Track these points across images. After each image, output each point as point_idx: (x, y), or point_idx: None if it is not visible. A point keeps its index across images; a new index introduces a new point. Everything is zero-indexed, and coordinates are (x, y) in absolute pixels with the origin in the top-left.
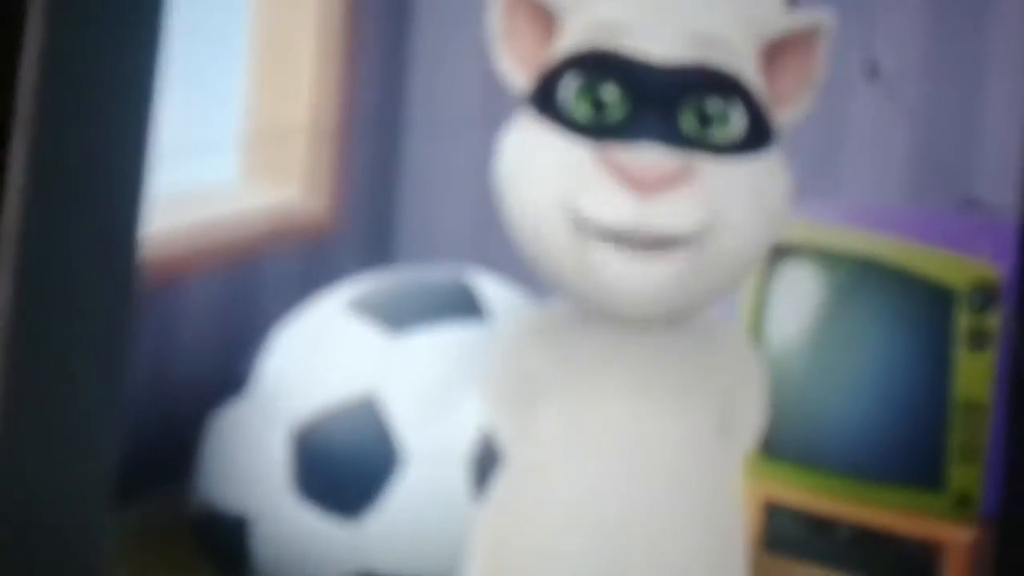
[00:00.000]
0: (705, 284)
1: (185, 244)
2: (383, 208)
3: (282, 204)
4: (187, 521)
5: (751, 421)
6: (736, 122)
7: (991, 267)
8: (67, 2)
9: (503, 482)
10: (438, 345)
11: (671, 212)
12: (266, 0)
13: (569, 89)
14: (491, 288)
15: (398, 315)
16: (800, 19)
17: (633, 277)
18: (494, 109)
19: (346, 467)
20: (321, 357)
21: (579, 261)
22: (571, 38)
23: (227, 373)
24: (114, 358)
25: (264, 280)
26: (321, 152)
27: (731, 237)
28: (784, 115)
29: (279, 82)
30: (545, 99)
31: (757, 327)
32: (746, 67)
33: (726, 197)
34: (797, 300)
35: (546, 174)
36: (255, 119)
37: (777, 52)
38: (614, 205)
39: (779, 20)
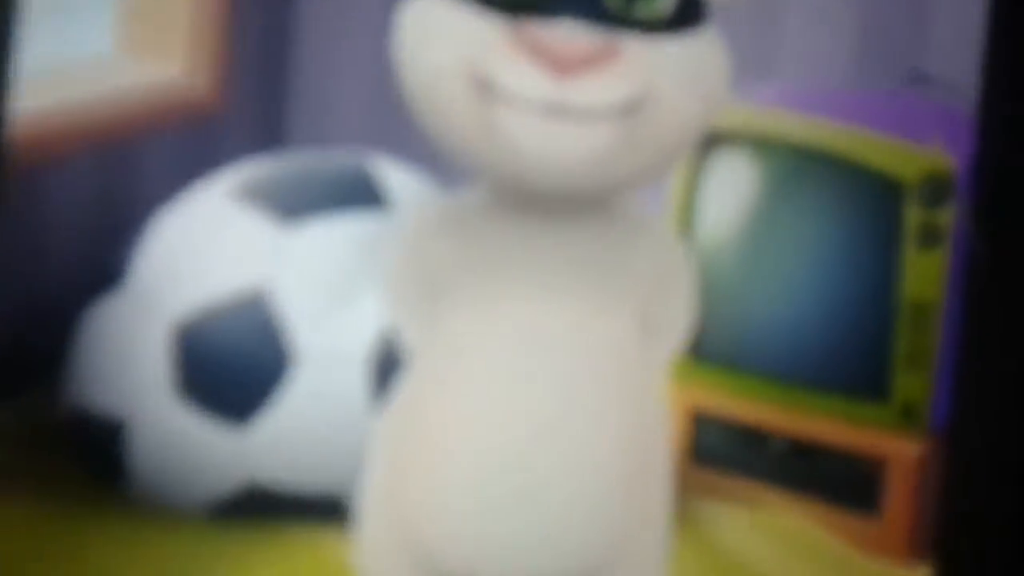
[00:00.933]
0: (631, 161)
1: (55, 123)
2: (273, 85)
3: (162, 80)
4: (58, 424)
5: (677, 321)
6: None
7: (944, 157)
8: None
9: (406, 386)
10: (335, 236)
11: (593, 89)
12: None
13: None
14: (394, 175)
15: (290, 203)
16: None
17: (550, 145)
18: None
19: (232, 368)
20: (205, 248)
21: (487, 126)
22: None
23: (102, 264)
24: None
25: (142, 163)
26: (205, 21)
27: (661, 113)
28: None
29: None
30: None
31: (687, 220)
32: None
33: (655, 74)
34: (731, 191)
35: (452, 36)
36: None
37: None
38: (530, 83)
39: None
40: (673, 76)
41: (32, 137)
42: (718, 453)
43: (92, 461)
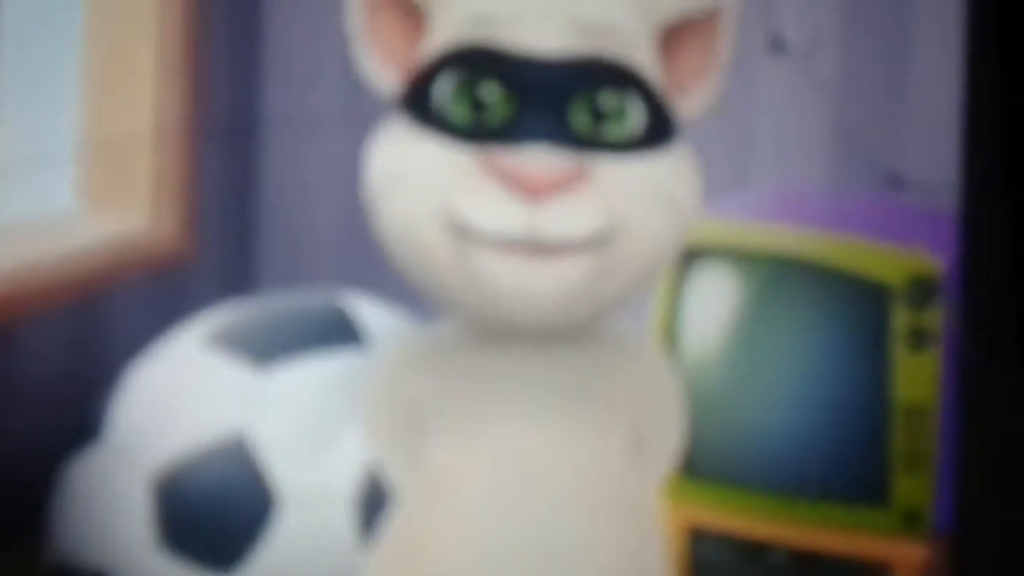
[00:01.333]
0: (608, 290)
1: (24, 281)
2: (240, 229)
3: (127, 231)
4: (50, 571)
5: (667, 440)
6: (633, 117)
7: (928, 258)
8: None
9: (394, 521)
10: (312, 377)
11: (565, 217)
12: (100, 2)
13: (445, 90)
14: (368, 311)
15: (265, 347)
16: (700, 1)
17: (527, 284)
18: (360, 114)
19: (216, 516)
20: (181, 397)
21: (464, 271)
22: (444, 34)
23: (78, 417)
24: None
25: (113, 315)
26: (167, 170)
27: (635, 239)
28: (687, 105)
29: (117, 91)
30: (418, 102)
31: (670, 336)
32: (641, 55)
33: (627, 198)
34: (713, 305)
35: (422, 181)
36: (92, 133)
37: (675, 36)
38: (501, 212)
39: (675, 2)
40: (645, 198)
41: (1, 296)
42: (717, 569)
43: None
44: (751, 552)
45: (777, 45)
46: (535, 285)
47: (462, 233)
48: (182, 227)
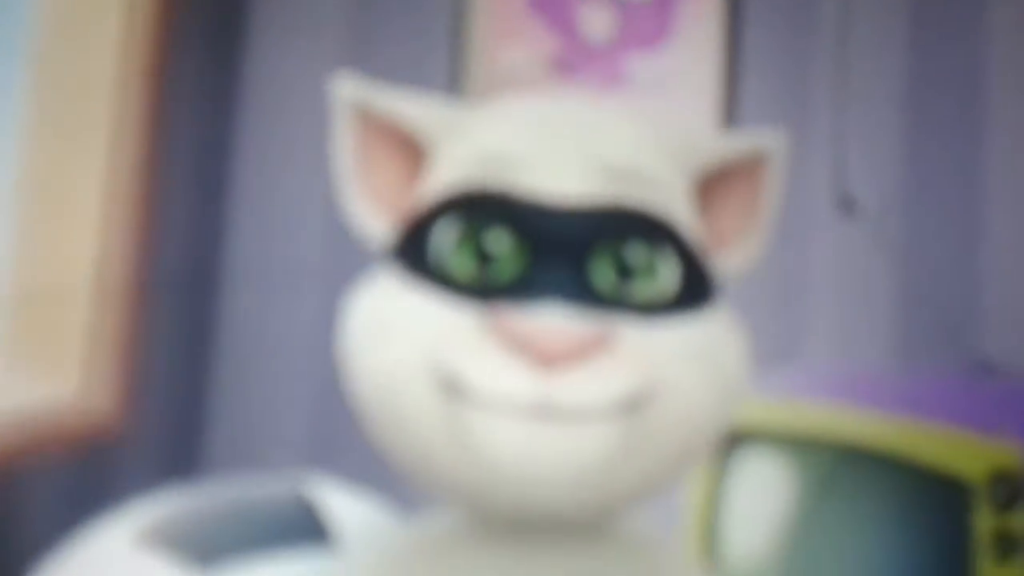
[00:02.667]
0: (636, 471)
1: None
2: (187, 399)
3: (50, 396)
4: None
5: None
6: (666, 274)
7: (1014, 450)
8: None
9: None
10: None
11: (584, 387)
12: (40, 136)
13: (446, 239)
14: (338, 500)
15: (211, 547)
16: (741, 143)
17: (536, 457)
18: (339, 266)
19: None
20: None
21: (458, 441)
22: (447, 174)
23: None
24: None
25: (25, 500)
26: (105, 325)
27: (668, 408)
28: (729, 262)
29: (51, 236)
30: (413, 252)
31: (708, 538)
32: (675, 204)
33: (658, 363)
34: (761, 500)
35: (412, 338)
36: (17, 281)
37: (715, 184)
38: (508, 382)
39: (715, 145)
40: (680, 365)
41: None
42: None
43: None
44: None
45: (846, 204)
46: (544, 457)
47: (455, 390)
48: (117, 394)
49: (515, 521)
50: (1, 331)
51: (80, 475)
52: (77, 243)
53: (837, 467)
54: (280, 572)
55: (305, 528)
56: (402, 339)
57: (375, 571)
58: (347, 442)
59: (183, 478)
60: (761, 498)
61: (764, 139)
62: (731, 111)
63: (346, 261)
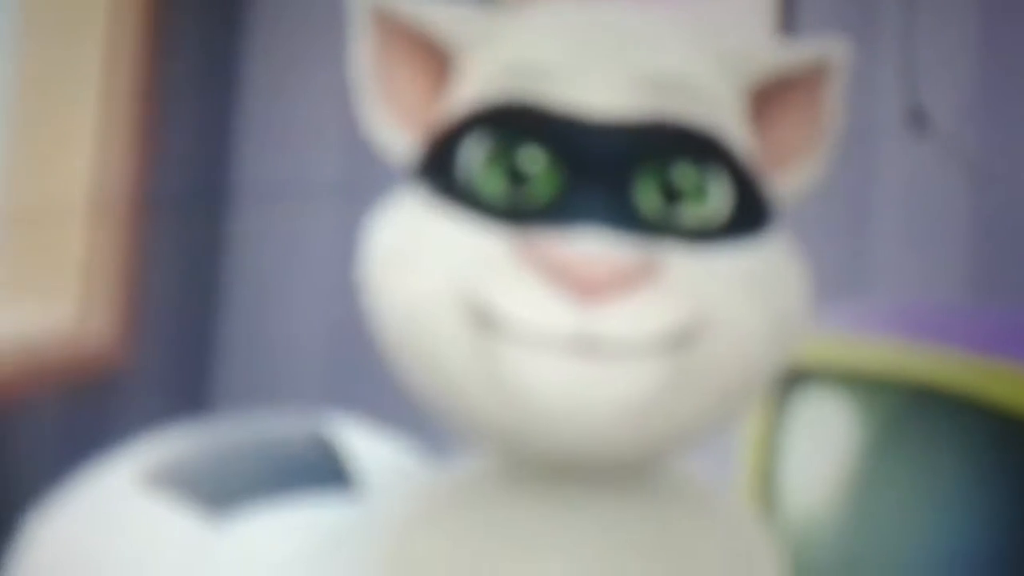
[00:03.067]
0: (685, 410)
1: None
2: (194, 328)
3: (48, 328)
4: None
5: None
6: (716, 196)
7: None
8: None
9: None
10: (282, 530)
11: (628, 316)
12: (32, 48)
13: (475, 156)
14: (360, 441)
15: (221, 489)
16: (801, 52)
17: (576, 394)
18: (358, 185)
19: None
20: (105, 554)
21: (490, 376)
22: (476, 86)
23: None
24: None
25: (20, 436)
26: (103, 249)
27: (720, 342)
28: (787, 183)
29: (45, 155)
30: (439, 170)
31: (766, 486)
32: (726, 119)
33: (709, 293)
34: (823, 443)
35: (439, 264)
36: (11, 202)
37: (772, 98)
38: (544, 306)
39: (772, 55)
40: (733, 296)
41: None
42: None
43: None
44: None
45: (917, 119)
46: (585, 395)
47: (488, 321)
48: (118, 322)
49: (553, 465)
50: None
51: (79, 410)
52: (73, 161)
53: (905, 409)
54: (298, 518)
55: (324, 471)
56: (428, 267)
57: (400, 520)
58: (369, 377)
59: (190, 414)
60: (822, 442)
61: (825, 48)
62: (788, 18)
63: (366, 179)
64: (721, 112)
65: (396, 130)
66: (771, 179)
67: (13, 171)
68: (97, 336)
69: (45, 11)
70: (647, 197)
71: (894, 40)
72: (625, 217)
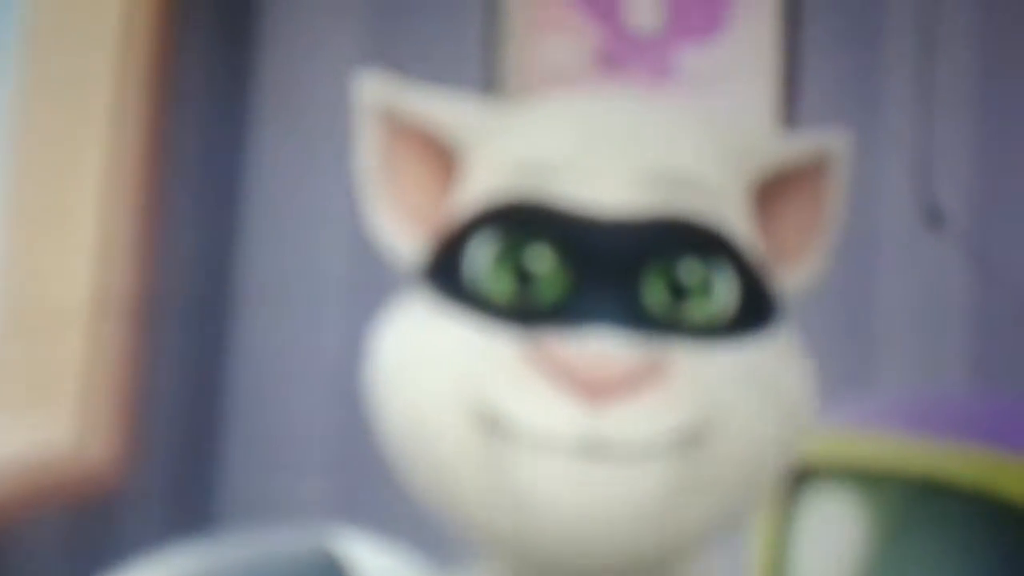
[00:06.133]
0: (694, 511)
1: None
2: (197, 443)
3: (46, 446)
4: None
5: None
6: (722, 292)
7: None
8: None
9: None
10: None
11: (635, 420)
12: (32, 145)
13: (482, 256)
14: (366, 555)
15: None
16: (803, 144)
17: (585, 499)
18: (364, 284)
19: None
20: None
21: (498, 482)
22: (482, 184)
23: None
24: None
25: (20, 558)
26: (104, 363)
27: (724, 445)
28: (791, 278)
29: (44, 257)
30: (446, 271)
31: None
32: (732, 214)
33: (716, 391)
34: (833, 541)
35: (447, 370)
36: (10, 308)
37: (775, 191)
38: (553, 410)
39: (774, 147)
40: (740, 394)
41: None
42: None
43: None
44: None
45: (933, 216)
46: (597, 499)
47: (497, 431)
48: (117, 438)
49: (563, 573)
50: None
51: (80, 528)
52: (72, 264)
53: (913, 502)
54: None
55: None
56: (435, 370)
57: None
58: (374, 483)
59: (194, 530)
60: (832, 537)
61: (828, 140)
62: (791, 109)
63: (372, 281)
64: (727, 207)
65: (402, 230)
66: (776, 273)
67: (9, 276)
68: (97, 452)
69: (45, 104)
70: (654, 294)
71: (897, 132)
72: (633, 315)
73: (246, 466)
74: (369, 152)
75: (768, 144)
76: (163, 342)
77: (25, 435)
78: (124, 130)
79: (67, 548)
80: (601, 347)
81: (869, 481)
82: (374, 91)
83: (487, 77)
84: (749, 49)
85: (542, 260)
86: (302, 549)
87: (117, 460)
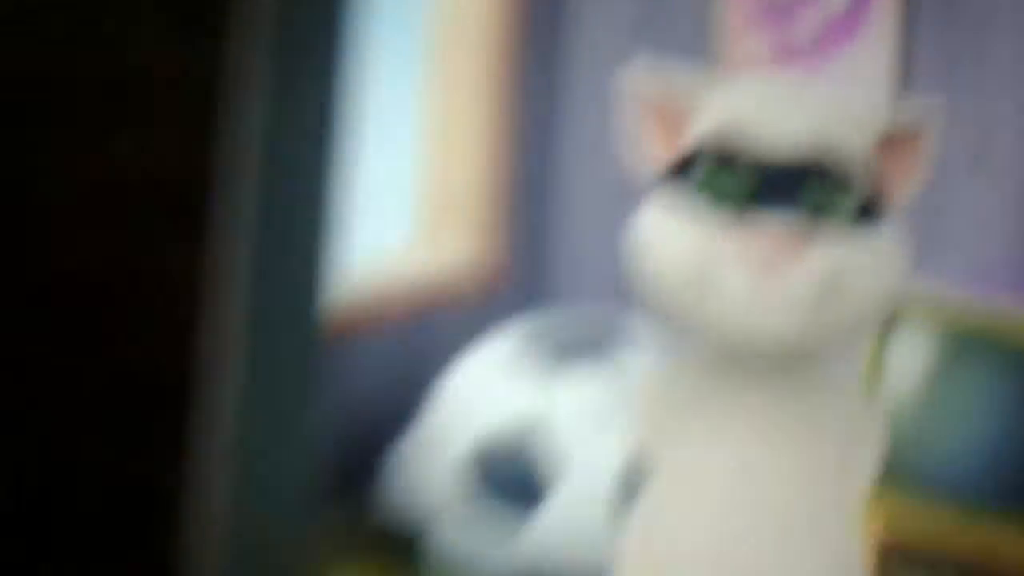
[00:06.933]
0: (825, 331)
1: (365, 303)
2: (539, 263)
3: (453, 264)
4: (380, 521)
5: (867, 461)
6: (851, 202)
7: None
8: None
9: (646, 499)
10: (592, 379)
11: (795, 275)
12: (438, 77)
13: (701, 172)
14: (638, 328)
15: (557, 352)
16: (910, 116)
17: (761, 325)
18: (631, 191)
19: (513, 482)
20: (492, 390)
21: (711, 310)
22: (702, 125)
23: (414, 403)
24: (302, 398)
25: (440, 327)
26: (488, 214)
27: (848, 294)
28: (898, 194)
29: (449, 143)
30: (679, 180)
31: (875, 381)
32: (857, 156)
33: (843, 263)
34: (911, 359)
35: (680, 244)
36: (429, 184)
37: (887, 145)
38: (741, 271)
39: (889, 116)
40: (860, 262)
41: (347, 315)
42: (902, 572)
43: (404, 552)
44: (930, 563)
45: (976, 159)
46: (769, 319)
47: (709, 281)
48: (498, 260)
49: (745, 356)
50: (419, 215)
51: (471, 317)
52: (466, 153)
53: (969, 339)
54: (599, 371)
55: (617, 345)
56: (670, 243)
57: (661, 378)
58: (637, 297)
59: (540, 308)
60: (910, 359)
61: (928, 113)
62: (903, 91)
63: (635, 188)
64: (853, 151)
65: (649, 160)
66: (884, 194)
67: (428, 158)
68: (482, 271)
69: (440, 86)
70: (809, 201)
71: (963, 95)
72: (794, 210)
73: (569, 283)
74: (629, 117)
75: (887, 113)
76: (521, 204)
77: (443, 258)
78: (493, 87)
79: (465, 324)
80: (775, 231)
81: (938, 323)
82: (638, 73)
83: (707, 62)
84: (876, 52)
85: (739, 177)
86: (601, 320)
87: (494, 275)
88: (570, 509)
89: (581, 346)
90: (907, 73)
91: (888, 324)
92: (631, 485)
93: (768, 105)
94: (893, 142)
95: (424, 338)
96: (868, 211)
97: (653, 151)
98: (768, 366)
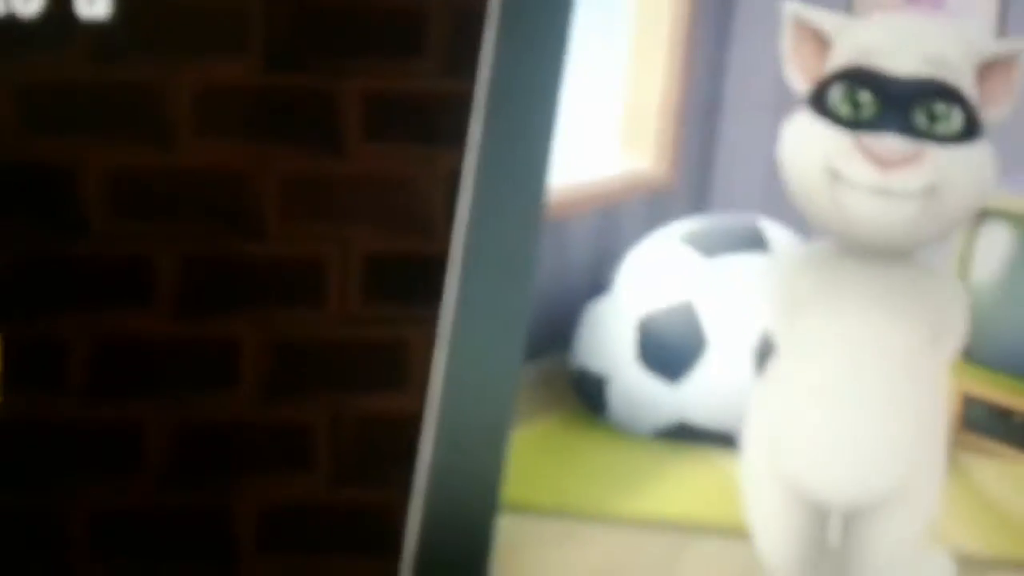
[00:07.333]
0: (930, 227)
1: (571, 193)
2: (703, 174)
3: (638, 169)
4: (570, 375)
5: (956, 334)
6: (955, 120)
7: None
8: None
9: (773, 369)
10: (737, 268)
11: (905, 180)
12: (642, 15)
13: (836, 94)
14: (775, 231)
15: (711, 245)
16: (1007, 47)
17: (879, 217)
18: (784, 103)
19: (671, 348)
20: (659, 272)
21: (838, 207)
22: (838, 56)
23: (598, 281)
24: (524, 268)
25: (624, 219)
26: (666, 130)
27: (950, 196)
28: (991, 115)
29: (645, 66)
30: (818, 100)
31: (964, 269)
32: (964, 80)
33: (947, 169)
34: (996, 249)
35: (816, 152)
36: (628, 102)
37: (988, 69)
38: (863, 175)
39: (991, 45)
40: (959, 171)
41: (558, 201)
42: (980, 423)
43: (587, 400)
44: (1003, 413)
45: None
46: (885, 215)
47: (837, 180)
48: (669, 171)
49: (863, 246)
50: (619, 128)
51: (649, 209)
52: (657, 73)
53: None
54: (743, 261)
55: (758, 242)
56: (809, 150)
57: (788, 264)
58: (783, 205)
59: (698, 213)
60: (994, 250)
61: (1020, 45)
62: (1002, 29)
63: (789, 102)
64: (961, 75)
65: (799, 80)
66: (984, 113)
67: (629, 78)
68: (661, 174)
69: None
70: (920, 119)
71: None
72: (908, 129)
73: (726, 188)
74: (786, 40)
75: (988, 43)
76: (690, 121)
77: (632, 163)
78: (680, 21)
79: (646, 218)
80: (892, 143)
81: (1019, 223)
82: (794, 9)
83: (847, 5)
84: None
85: (865, 98)
86: (745, 223)
87: (670, 178)
88: (715, 374)
89: (731, 242)
90: (1006, 14)
91: (976, 222)
92: (763, 356)
93: (893, 37)
94: (992, 67)
95: (613, 224)
96: (970, 128)
97: (801, 74)
98: (882, 255)
